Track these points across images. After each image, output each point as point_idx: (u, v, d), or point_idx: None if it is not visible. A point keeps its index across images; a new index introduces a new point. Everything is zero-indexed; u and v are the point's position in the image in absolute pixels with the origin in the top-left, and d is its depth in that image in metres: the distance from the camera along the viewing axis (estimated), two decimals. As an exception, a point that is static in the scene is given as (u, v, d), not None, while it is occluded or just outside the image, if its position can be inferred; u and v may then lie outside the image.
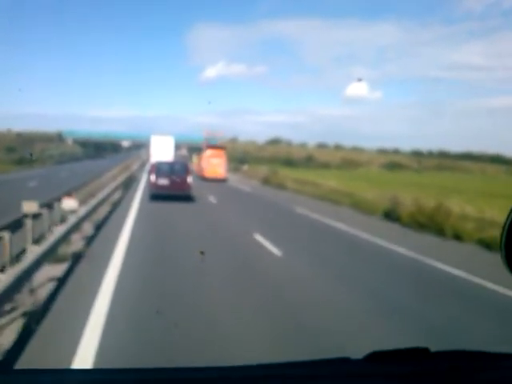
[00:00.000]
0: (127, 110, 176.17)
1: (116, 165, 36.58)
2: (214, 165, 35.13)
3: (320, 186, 27.35)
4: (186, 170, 21.02)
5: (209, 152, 36.11)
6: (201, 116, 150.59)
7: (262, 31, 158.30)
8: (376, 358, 1.38)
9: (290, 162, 72.24)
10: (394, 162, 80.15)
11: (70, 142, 79.35)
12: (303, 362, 1.40)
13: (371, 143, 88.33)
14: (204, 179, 33.56)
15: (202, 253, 8.76)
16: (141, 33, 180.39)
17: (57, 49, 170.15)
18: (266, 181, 35.05)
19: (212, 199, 22.02)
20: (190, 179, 20.59)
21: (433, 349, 1.40)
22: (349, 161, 78.15)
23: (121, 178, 23.20)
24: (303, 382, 1.33)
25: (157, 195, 19.56)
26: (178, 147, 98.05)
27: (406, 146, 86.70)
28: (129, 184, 24.73)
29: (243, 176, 44.57)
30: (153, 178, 20.12)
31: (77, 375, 1.40)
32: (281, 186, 30.71)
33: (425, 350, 1.40)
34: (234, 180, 37.29)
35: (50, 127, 78.17)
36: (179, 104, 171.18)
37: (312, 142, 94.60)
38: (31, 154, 51.67)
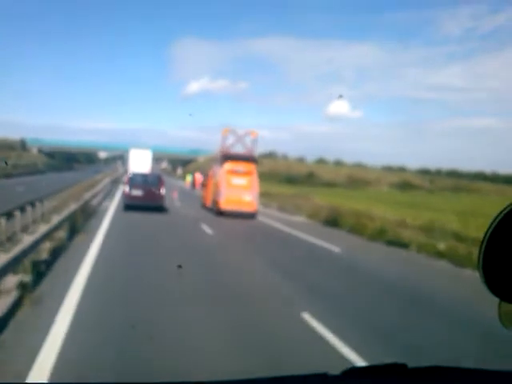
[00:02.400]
0: (107, 122, 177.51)
1: (79, 181, 26.50)
2: (237, 188, 20.45)
3: (385, 219, 17.55)
4: (159, 182, 21.50)
5: (229, 166, 20.82)
6: (182, 130, 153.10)
7: (245, 48, 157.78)
8: (353, 373, 1.39)
9: (290, 179, 62.89)
10: (405, 182, 71.47)
11: (34, 151, 68.60)
12: (281, 378, 1.37)
13: (352, 159, 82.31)
14: (214, 211, 20.89)
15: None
16: (123, 45, 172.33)
17: (37, 58, 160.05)
18: (297, 209, 24.19)
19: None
20: (163, 191, 21.05)
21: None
22: (355, 179, 69.09)
23: (64, 213, 13.10)
24: None
25: (130, 205, 20.13)
26: (158, 160, 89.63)
27: (382, 163, 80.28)
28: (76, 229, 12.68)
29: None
30: (127, 188, 20.86)
31: None
32: (334, 222, 19.08)
33: (402, 366, 1.39)
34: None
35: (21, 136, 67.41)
36: (160, 117, 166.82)
37: (311, 156, 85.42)
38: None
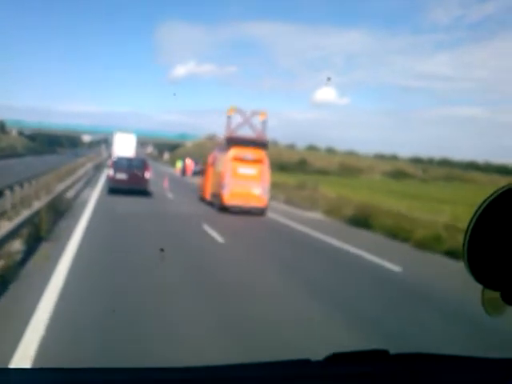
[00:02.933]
0: (92, 105, 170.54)
1: (57, 167, 24.27)
2: (245, 179, 17.38)
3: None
4: (144, 166, 21.48)
5: (235, 152, 17.61)
6: (168, 114, 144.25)
7: (233, 32, 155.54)
8: (336, 359, 1.38)
9: (282, 166, 60.88)
10: (398, 170, 70.01)
11: (14, 133, 65.51)
12: (263, 364, 1.39)
13: (342, 147, 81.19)
14: (216, 206, 17.74)
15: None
16: (108, 27, 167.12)
17: (21, 40, 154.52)
18: (313, 204, 20.52)
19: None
20: (147, 175, 21.06)
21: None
22: (348, 167, 67.42)
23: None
24: None
25: (115, 189, 20.05)
26: (143, 144, 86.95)
27: (372, 150, 79.35)
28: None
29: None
30: (111, 172, 20.82)
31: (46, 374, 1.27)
32: (363, 222, 15.67)
33: (384, 352, 1.41)
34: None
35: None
36: (146, 101, 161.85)
37: (301, 143, 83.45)
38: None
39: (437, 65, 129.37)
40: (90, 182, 24.96)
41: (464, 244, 0.92)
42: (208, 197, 19.28)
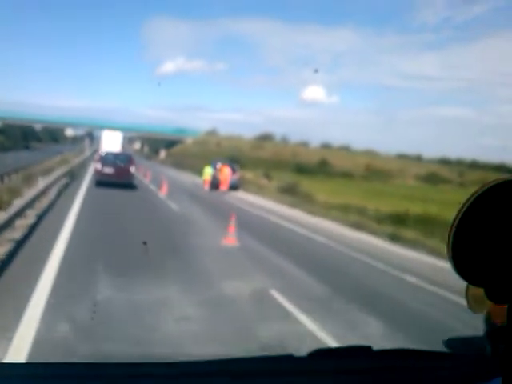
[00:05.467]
0: (78, 100, 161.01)
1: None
2: None
3: None
4: (129, 161, 22.13)
5: None
6: (152, 109, 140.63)
7: (222, 29, 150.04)
8: (319, 355, 1.41)
9: (300, 168, 50.92)
10: (433, 174, 60.44)
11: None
12: (245, 359, 1.42)
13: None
14: None
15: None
16: (95, 20, 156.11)
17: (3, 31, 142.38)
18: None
19: None
20: (132, 169, 21.80)
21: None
22: (375, 170, 57.62)
23: None
24: (247, 379, 1.33)
25: (101, 182, 20.56)
26: (131, 140, 76.82)
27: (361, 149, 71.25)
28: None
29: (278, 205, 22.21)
30: (98, 166, 21.49)
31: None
32: None
33: (367, 348, 1.42)
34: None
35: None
36: (131, 96, 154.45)
37: (316, 141, 73.33)
38: None
39: (423, 64, 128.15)
40: (54, 206, 14.20)
41: (449, 240, 0.90)
42: None
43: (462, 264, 0.91)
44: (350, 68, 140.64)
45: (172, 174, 36.27)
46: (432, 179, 58.06)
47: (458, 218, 0.89)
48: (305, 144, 70.90)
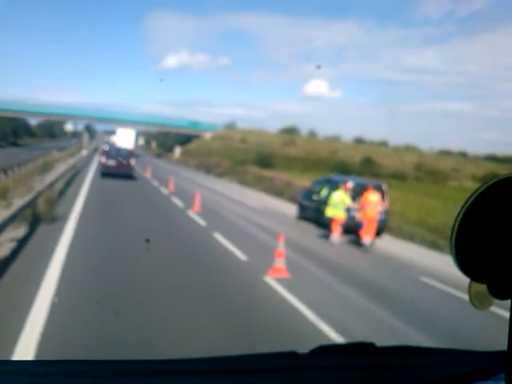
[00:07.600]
0: (76, 96, 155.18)
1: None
2: None
3: None
4: (130, 154, 25.15)
5: None
6: (154, 105, 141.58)
7: (225, 23, 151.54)
8: (322, 351, 1.38)
9: (344, 168, 42.40)
10: (492, 174, 51.16)
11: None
12: (249, 356, 1.39)
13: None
14: None
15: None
16: (95, 14, 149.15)
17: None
18: None
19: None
20: (132, 162, 24.64)
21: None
22: (429, 169, 48.89)
23: None
24: (251, 376, 1.30)
25: (106, 173, 23.33)
26: (138, 135, 69.49)
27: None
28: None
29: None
30: (103, 159, 24.47)
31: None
32: None
33: (371, 345, 1.40)
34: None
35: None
36: (132, 91, 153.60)
37: (347, 135, 64.57)
38: None
39: (426, 58, 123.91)
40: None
41: (452, 236, 0.90)
42: None
43: (464, 261, 0.90)
44: (352, 62, 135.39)
45: (210, 186, 25.33)
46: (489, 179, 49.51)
47: (460, 215, 0.88)
48: (336, 138, 62.05)
